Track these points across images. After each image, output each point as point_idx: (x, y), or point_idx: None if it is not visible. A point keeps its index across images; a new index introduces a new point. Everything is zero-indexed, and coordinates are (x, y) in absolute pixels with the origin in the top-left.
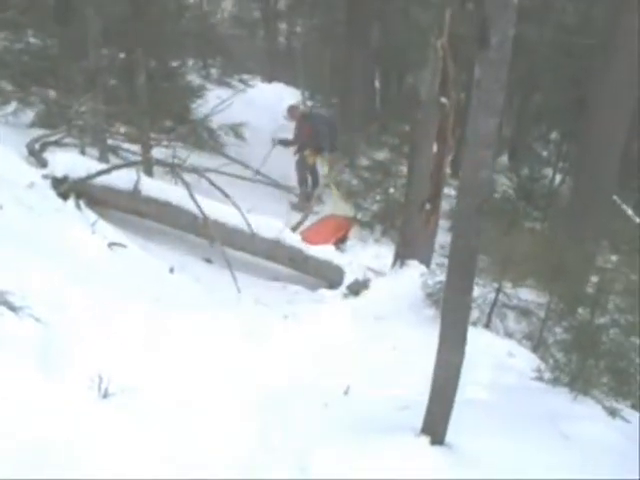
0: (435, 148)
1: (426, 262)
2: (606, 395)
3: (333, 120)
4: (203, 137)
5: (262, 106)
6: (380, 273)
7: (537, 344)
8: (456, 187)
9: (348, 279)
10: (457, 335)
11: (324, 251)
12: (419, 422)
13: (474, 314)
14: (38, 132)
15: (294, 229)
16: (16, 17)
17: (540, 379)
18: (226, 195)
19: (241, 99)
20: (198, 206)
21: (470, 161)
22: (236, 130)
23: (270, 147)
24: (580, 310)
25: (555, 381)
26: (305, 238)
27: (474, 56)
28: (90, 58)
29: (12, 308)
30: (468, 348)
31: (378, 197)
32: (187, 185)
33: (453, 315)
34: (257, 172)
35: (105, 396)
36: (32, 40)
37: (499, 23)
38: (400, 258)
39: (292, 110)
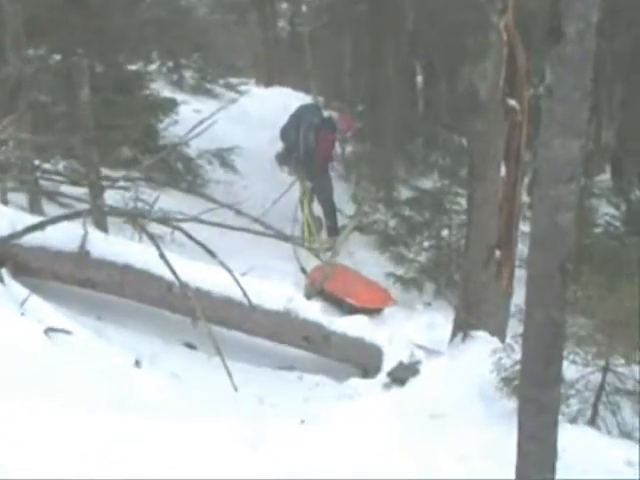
0: (504, 170)
1: (499, 333)
2: None
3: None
4: (177, 171)
5: (259, 121)
6: (434, 352)
7: None
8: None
9: (389, 362)
10: (542, 447)
11: (353, 324)
12: None
13: (573, 406)
14: None
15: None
16: None
17: None
18: (211, 253)
19: (229, 113)
20: (172, 270)
21: (543, 201)
22: (224, 158)
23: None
24: None
25: None
26: (354, 298)
27: (545, 52)
28: (10, 63)
29: None
30: (566, 457)
31: (427, 243)
32: (156, 241)
33: (534, 419)
34: (255, 219)
35: None
36: None
37: (577, 6)
38: (462, 329)
39: (345, 119)
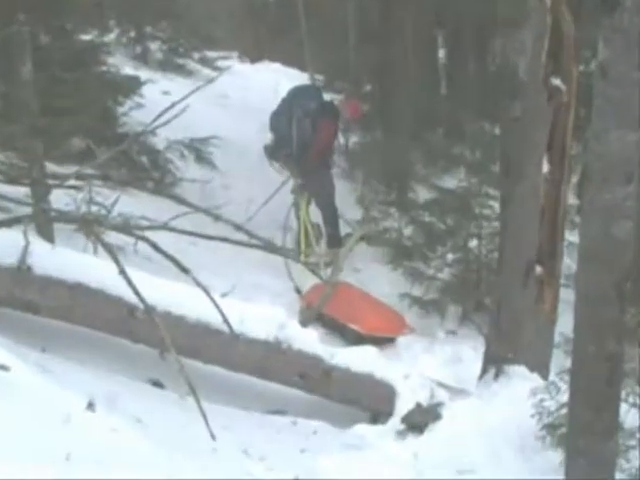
0: (546, 166)
1: (541, 369)
2: None
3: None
4: (141, 167)
5: (243, 105)
6: (460, 391)
7: None
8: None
9: (404, 405)
10: None
11: (359, 357)
12: None
13: (634, 460)
14: None
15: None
16: None
17: None
18: (183, 269)
19: (206, 95)
20: (135, 290)
21: (595, 206)
22: (199, 151)
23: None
24: None
25: None
26: (360, 324)
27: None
28: None
29: None
30: None
31: (451, 256)
32: (114, 254)
33: (585, 476)
34: (238, 227)
35: None
36: None
37: None
38: (494, 363)
39: (351, 105)
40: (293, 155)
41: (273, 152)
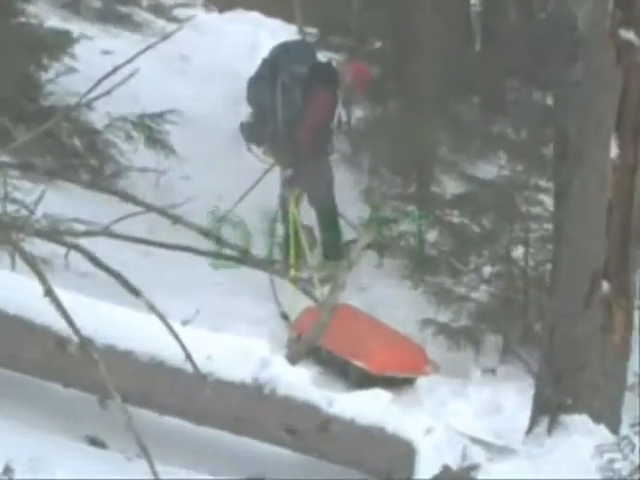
0: (615, 147)
1: (610, 419)
2: None
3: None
4: (74, 151)
5: (211, 69)
6: (502, 449)
7: None
8: None
9: (427, 467)
10: None
11: (366, 405)
12: None
13: None
14: None
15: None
16: None
17: None
18: (131, 288)
19: (161, 56)
20: (66, 317)
21: None
22: (152, 130)
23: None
24: None
25: None
26: (367, 360)
27: None
28: None
29: None
30: None
31: (488, 269)
32: (39, 268)
33: None
34: (204, 232)
35: None
36: None
37: None
38: (547, 412)
39: (355, 67)
40: (278, 135)
41: (252, 131)
